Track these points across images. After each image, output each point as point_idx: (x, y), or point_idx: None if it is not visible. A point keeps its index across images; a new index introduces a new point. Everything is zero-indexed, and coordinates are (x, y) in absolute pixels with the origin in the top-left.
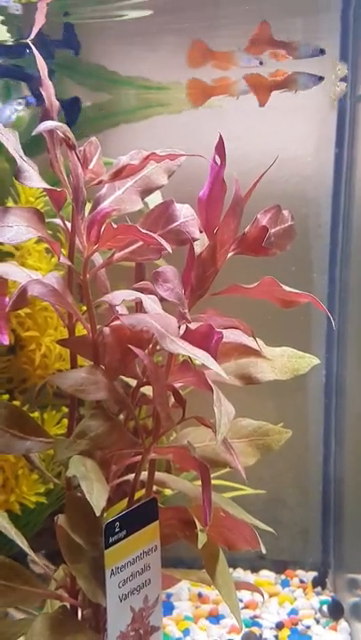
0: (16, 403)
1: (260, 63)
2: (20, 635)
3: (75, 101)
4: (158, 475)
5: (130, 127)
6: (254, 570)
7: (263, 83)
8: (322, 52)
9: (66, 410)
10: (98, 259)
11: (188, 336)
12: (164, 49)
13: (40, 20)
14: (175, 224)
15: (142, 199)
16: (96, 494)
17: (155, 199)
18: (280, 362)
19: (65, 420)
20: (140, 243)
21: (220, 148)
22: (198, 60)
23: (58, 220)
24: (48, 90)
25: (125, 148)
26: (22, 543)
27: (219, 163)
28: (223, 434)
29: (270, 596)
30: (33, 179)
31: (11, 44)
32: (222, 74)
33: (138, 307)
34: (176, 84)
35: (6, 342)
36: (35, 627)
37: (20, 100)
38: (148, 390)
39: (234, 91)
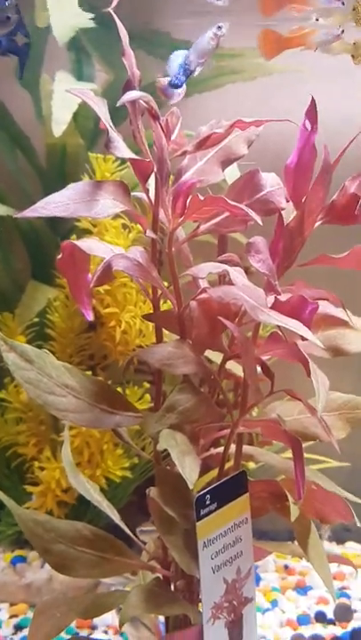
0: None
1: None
2: (115, 606)
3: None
4: (245, 448)
5: (201, 97)
6: (340, 542)
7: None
8: None
9: (147, 386)
10: (179, 233)
11: (278, 308)
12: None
13: None
14: (261, 194)
15: (223, 170)
16: (188, 468)
17: (232, 173)
18: None
19: (147, 396)
20: (226, 214)
21: (311, 113)
22: (273, 6)
23: (139, 194)
24: (130, 59)
25: (197, 119)
26: (114, 516)
27: (309, 128)
28: (323, 403)
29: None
30: (121, 149)
31: None
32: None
33: (221, 279)
34: (250, 50)
35: (91, 318)
36: (131, 598)
37: (221, 25)
38: (229, 364)
39: (311, 42)
